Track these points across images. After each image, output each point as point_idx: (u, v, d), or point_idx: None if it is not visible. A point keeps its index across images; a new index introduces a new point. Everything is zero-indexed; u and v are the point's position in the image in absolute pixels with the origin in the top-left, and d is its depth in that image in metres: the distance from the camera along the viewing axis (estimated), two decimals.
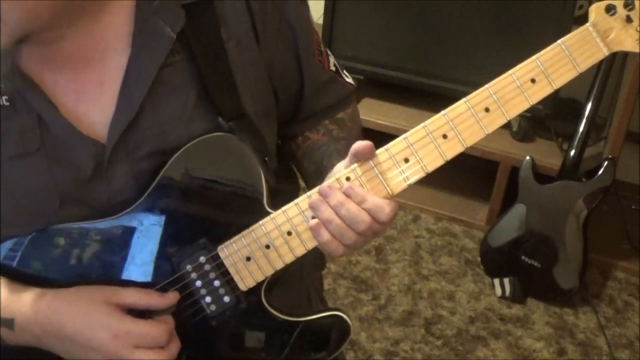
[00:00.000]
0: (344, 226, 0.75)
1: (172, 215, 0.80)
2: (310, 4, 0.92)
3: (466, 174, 2.48)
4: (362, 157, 0.76)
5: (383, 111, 2.34)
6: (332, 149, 0.92)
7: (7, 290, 0.77)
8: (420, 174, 0.77)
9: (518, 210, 2.00)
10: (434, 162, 0.77)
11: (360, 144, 0.75)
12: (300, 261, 0.81)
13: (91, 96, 0.78)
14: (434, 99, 2.19)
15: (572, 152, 1.92)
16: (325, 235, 0.76)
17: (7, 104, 0.75)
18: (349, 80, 1.00)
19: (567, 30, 1.97)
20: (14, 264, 0.79)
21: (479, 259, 2.18)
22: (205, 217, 0.81)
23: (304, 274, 1.02)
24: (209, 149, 0.80)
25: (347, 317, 0.86)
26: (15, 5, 0.66)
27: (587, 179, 1.91)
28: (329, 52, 0.97)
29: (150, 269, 0.80)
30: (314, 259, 1.09)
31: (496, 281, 2.09)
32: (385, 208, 0.75)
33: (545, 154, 2.16)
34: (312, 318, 0.85)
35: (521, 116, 2.17)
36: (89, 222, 0.80)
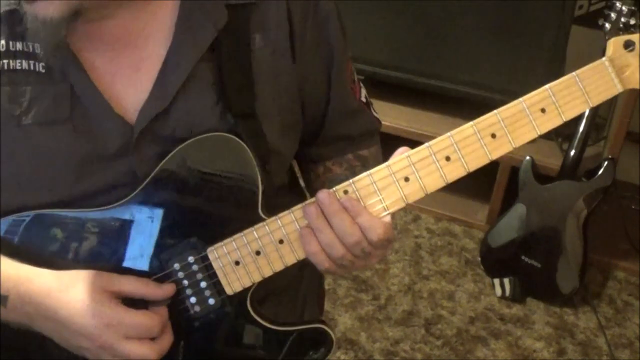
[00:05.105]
0: (333, 237, 0.75)
1: (165, 210, 0.80)
2: None
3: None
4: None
5: (383, 111, 2.30)
6: None
7: (4, 267, 0.77)
8: (420, 195, 0.76)
9: (518, 210, 2.00)
10: (434, 183, 0.76)
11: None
12: (300, 266, 0.80)
13: (126, 80, 0.79)
14: (434, 99, 2.19)
15: (572, 152, 1.91)
16: (314, 245, 0.76)
17: (43, 71, 0.77)
18: (377, 116, 0.99)
19: (567, 30, 1.99)
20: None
21: (479, 259, 2.18)
22: (197, 216, 0.80)
23: (305, 279, 1.01)
24: (209, 147, 0.80)
25: (331, 331, 0.86)
26: None
27: (587, 179, 1.90)
28: (361, 85, 0.97)
29: (138, 263, 0.80)
30: None
31: (496, 281, 2.09)
32: (377, 228, 0.75)
33: (545, 154, 2.16)
34: (295, 329, 0.85)
35: None
36: (84, 211, 0.80)
